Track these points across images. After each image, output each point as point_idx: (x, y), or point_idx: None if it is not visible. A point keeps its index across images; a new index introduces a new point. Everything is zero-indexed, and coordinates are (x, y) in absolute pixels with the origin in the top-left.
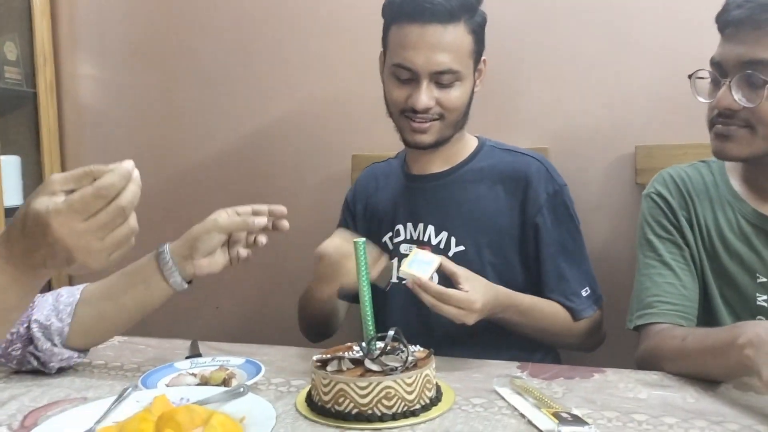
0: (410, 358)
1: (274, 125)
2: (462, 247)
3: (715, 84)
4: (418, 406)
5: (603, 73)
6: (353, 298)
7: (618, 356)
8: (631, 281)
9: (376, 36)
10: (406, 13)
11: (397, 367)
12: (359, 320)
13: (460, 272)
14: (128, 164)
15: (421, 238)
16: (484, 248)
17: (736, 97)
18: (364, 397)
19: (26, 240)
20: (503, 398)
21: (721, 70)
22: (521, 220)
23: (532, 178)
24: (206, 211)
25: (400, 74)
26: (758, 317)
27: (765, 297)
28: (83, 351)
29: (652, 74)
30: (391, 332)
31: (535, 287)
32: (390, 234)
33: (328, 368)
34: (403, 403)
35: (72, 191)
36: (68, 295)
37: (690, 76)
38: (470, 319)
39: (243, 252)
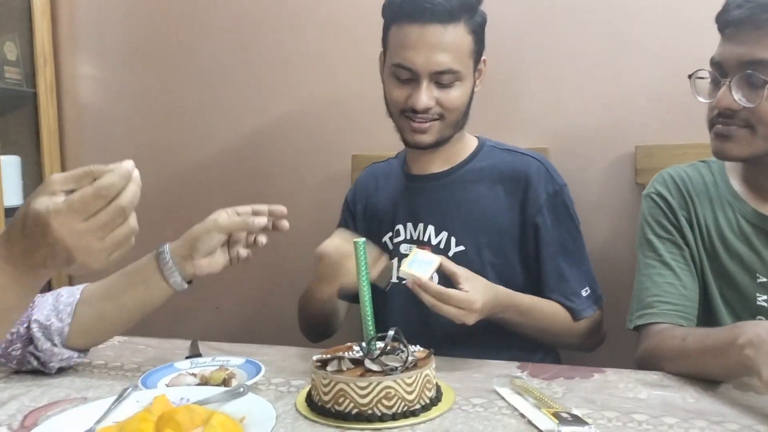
0: (410, 358)
1: (274, 125)
2: (462, 247)
3: (715, 84)
4: (418, 406)
5: (603, 73)
6: (353, 298)
7: (618, 356)
8: (631, 281)
9: (376, 36)
10: (406, 13)
11: (397, 367)
12: (359, 320)
13: (460, 272)
14: (128, 164)
15: (421, 238)
16: (483, 248)
17: (736, 97)
18: (364, 397)
19: (26, 240)
20: (503, 398)
21: (721, 70)
22: (521, 220)
23: (532, 178)
24: (206, 211)
25: (400, 74)
26: (758, 317)
27: (765, 297)
28: (83, 351)
29: (652, 74)
30: (391, 332)
31: (535, 287)
32: (390, 234)
33: (328, 368)
34: (403, 403)
35: (72, 191)
36: (68, 295)
37: (690, 76)
38: (470, 319)
39: (243, 252)
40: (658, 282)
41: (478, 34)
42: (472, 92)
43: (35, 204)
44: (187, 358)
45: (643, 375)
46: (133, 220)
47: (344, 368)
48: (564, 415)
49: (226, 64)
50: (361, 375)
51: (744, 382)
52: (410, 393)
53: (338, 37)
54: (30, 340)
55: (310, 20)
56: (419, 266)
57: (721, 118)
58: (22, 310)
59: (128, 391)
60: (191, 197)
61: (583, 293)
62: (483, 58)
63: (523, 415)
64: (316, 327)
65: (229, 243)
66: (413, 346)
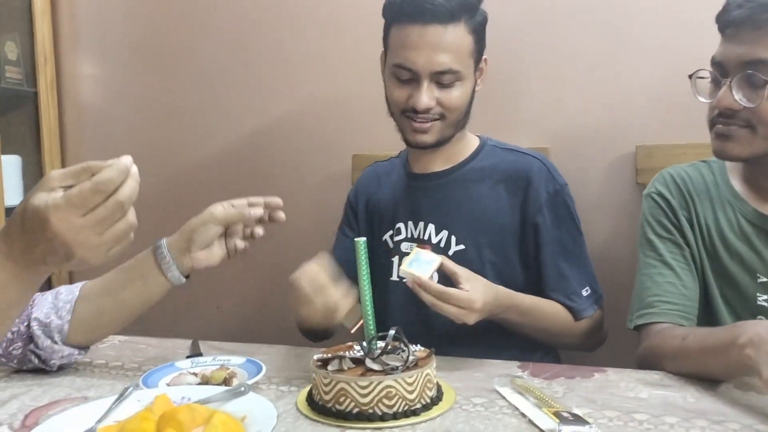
0: (411, 358)
1: (274, 125)
2: (462, 246)
3: (716, 84)
4: (418, 406)
5: (603, 72)
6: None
7: (619, 356)
8: (632, 281)
9: (376, 36)
10: (407, 14)
11: (397, 367)
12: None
13: (461, 272)
14: (126, 159)
15: (421, 237)
16: (484, 247)
17: (737, 97)
18: (365, 396)
19: (25, 236)
20: (504, 398)
21: (721, 69)
22: (522, 220)
23: (533, 178)
24: None
25: (401, 74)
26: (759, 317)
27: (765, 297)
28: (84, 348)
29: (652, 74)
30: (391, 331)
31: (536, 287)
32: (390, 232)
33: (329, 367)
34: (403, 403)
35: (71, 187)
36: (67, 292)
37: (690, 76)
38: (470, 319)
39: (240, 244)
40: (659, 282)
41: (479, 34)
42: (473, 92)
43: (34, 200)
44: (188, 357)
45: (644, 374)
46: (131, 215)
47: (345, 367)
48: (565, 414)
49: (226, 64)
50: (362, 374)
51: (745, 381)
52: (411, 392)
53: (338, 37)
54: (30, 338)
55: (310, 20)
56: (420, 265)
57: (722, 118)
58: (21, 306)
59: (129, 390)
60: (191, 197)
61: (584, 293)
62: (484, 57)
63: (524, 415)
64: (313, 335)
65: (226, 236)
66: (414, 345)
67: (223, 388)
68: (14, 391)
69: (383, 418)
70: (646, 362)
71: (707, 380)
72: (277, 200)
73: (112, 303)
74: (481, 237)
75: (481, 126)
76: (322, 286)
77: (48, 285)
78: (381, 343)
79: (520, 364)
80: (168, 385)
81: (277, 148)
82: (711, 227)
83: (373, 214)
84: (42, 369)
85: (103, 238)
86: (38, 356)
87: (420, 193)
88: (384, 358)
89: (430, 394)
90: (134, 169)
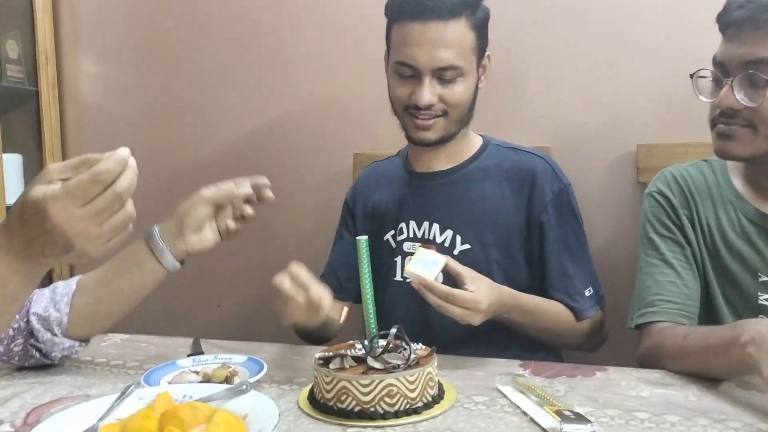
0: (413, 356)
1: (274, 125)
2: (468, 246)
3: (717, 83)
4: (420, 404)
5: (604, 72)
6: (356, 296)
7: (620, 355)
8: (633, 280)
9: (376, 35)
10: (407, 11)
11: (399, 365)
12: (362, 318)
13: (466, 273)
14: (124, 151)
15: (426, 236)
16: (489, 246)
17: (738, 96)
18: (366, 394)
19: (25, 229)
20: (506, 396)
21: (723, 69)
22: (527, 219)
23: (538, 177)
24: None
25: (403, 71)
26: (760, 316)
27: (767, 296)
28: (84, 340)
29: (652, 73)
30: (393, 330)
31: (539, 286)
32: (393, 232)
33: (331, 366)
34: (405, 401)
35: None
36: (64, 286)
37: (692, 76)
38: (476, 320)
39: (231, 224)
40: (660, 281)
41: (481, 30)
42: (476, 88)
43: (33, 192)
44: (189, 355)
45: (645, 373)
46: (130, 207)
47: (347, 366)
48: (566, 413)
49: (226, 64)
50: (364, 373)
51: (746, 380)
52: (413, 391)
53: (338, 37)
54: (30, 333)
55: (310, 20)
56: (424, 266)
57: (723, 118)
58: (22, 301)
59: (131, 388)
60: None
61: (587, 293)
62: (487, 54)
63: (525, 413)
64: (307, 337)
65: (218, 220)
66: (415, 343)
67: (225, 386)
68: (16, 389)
69: (385, 416)
70: (647, 361)
71: (708, 379)
72: (263, 179)
73: (109, 293)
74: (487, 236)
75: (482, 126)
76: (304, 283)
77: (48, 281)
78: (383, 342)
79: (522, 363)
80: (170, 383)
81: (277, 148)
82: (712, 226)
83: (373, 215)
84: (43, 367)
85: (102, 229)
86: (39, 350)
87: (424, 192)
88: (386, 356)
89: (432, 392)
90: (132, 161)
